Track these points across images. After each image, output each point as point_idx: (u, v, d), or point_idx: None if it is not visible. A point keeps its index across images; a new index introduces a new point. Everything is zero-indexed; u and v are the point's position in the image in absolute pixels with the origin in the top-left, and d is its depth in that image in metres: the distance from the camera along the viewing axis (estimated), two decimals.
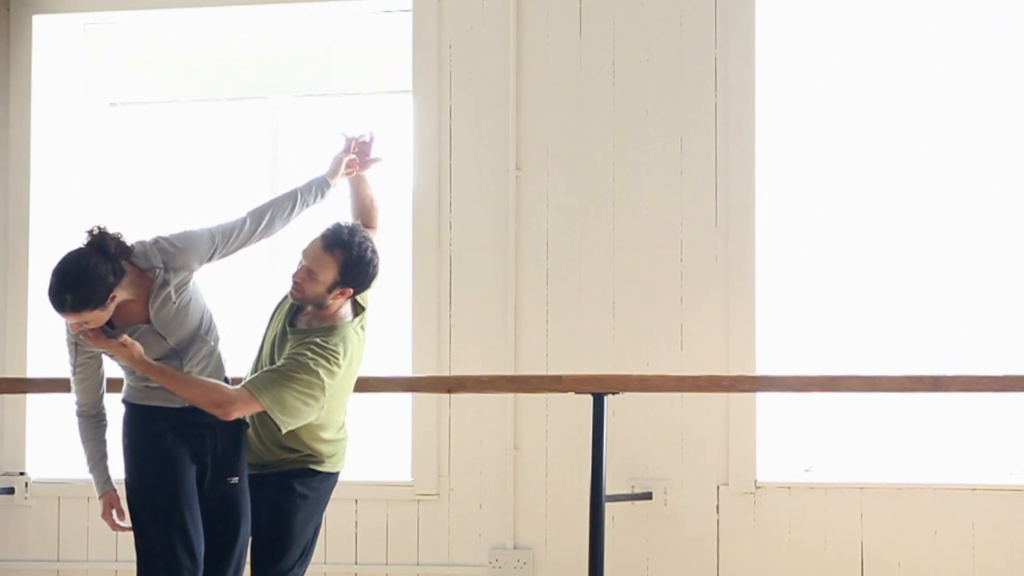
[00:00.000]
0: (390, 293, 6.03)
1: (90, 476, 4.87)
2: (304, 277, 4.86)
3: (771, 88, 6.78)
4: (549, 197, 6.80)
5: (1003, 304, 6.73)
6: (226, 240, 4.83)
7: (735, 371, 6.41)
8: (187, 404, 4.76)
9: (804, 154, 6.89)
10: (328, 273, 4.84)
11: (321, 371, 4.79)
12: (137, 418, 4.79)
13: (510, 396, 6.72)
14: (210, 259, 4.81)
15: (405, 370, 6.73)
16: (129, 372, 4.79)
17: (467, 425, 6.79)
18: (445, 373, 6.68)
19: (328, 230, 4.90)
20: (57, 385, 6.39)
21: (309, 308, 4.93)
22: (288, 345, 4.88)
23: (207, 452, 4.79)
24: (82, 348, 4.74)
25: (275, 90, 7.35)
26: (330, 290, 4.86)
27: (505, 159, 6.81)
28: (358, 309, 5.02)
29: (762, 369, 6.54)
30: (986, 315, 6.74)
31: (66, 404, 6.92)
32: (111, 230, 4.67)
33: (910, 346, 6.76)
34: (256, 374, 4.85)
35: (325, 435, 4.97)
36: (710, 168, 6.68)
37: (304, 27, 7.31)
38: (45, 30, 7.28)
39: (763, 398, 6.59)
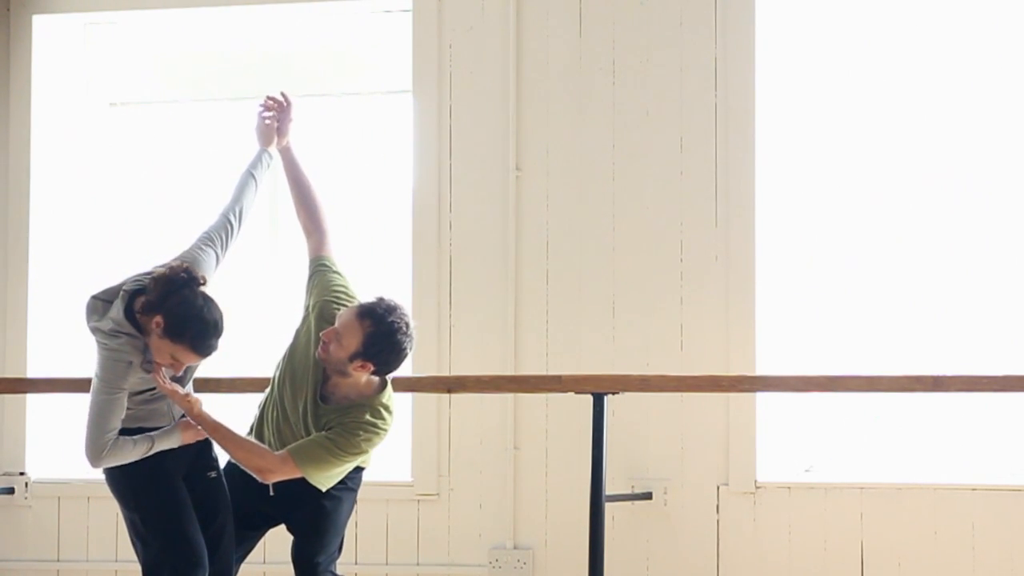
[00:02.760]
0: (390, 293, 6.00)
1: (163, 439, 4.80)
2: (332, 337, 4.85)
3: (771, 88, 6.78)
4: (549, 197, 6.80)
5: (1003, 304, 6.73)
6: (225, 250, 4.96)
7: (735, 371, 6.41)
8: (165, 422, 4.81)
9: (804, 154, 6.89)
10: (352, 340, 4.82)
11: (369, 445, 4.92)
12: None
13: (510, 396, 6.72)
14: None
15: (405, 370, 6.70)
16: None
17: (467, 425, 6.80)
18: (445, 373, 6.67)
19: (368, 301, 4.92)
20: (57, 385, 6.39)
21: (334, 377, 4.92)
22: (326, 419, 4.89)
23: (188, 455, 4.85)
24: (134, 372, 4.70)
25: (275, 90, 7.33)
26: (351, 359, 4.84)
27: (505, 159, 6.81)
28: (384, 383, 5.03)
29: (762, 369, 6.54)
30: (986, 315, 6.74)
31: (66, 404, 6.94)
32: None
33: (910, 346, 6.75)
34: (301, 444, 4.84)
35: None
36: (710, 168, 6.68)
37: (304, 27, 7.31)
38: (45, 30, 7.28)
39: (763, 398, 6.59)
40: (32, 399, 7.08)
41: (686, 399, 6.58)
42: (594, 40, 6.78)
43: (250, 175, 5.12)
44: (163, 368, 4.70)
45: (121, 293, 4.70)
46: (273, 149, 5.23)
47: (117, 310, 4.67)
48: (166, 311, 4.61)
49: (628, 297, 6.70)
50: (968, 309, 6.75)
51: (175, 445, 4.79)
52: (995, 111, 6.76)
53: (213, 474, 4.92)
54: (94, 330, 4.71)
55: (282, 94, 5.34)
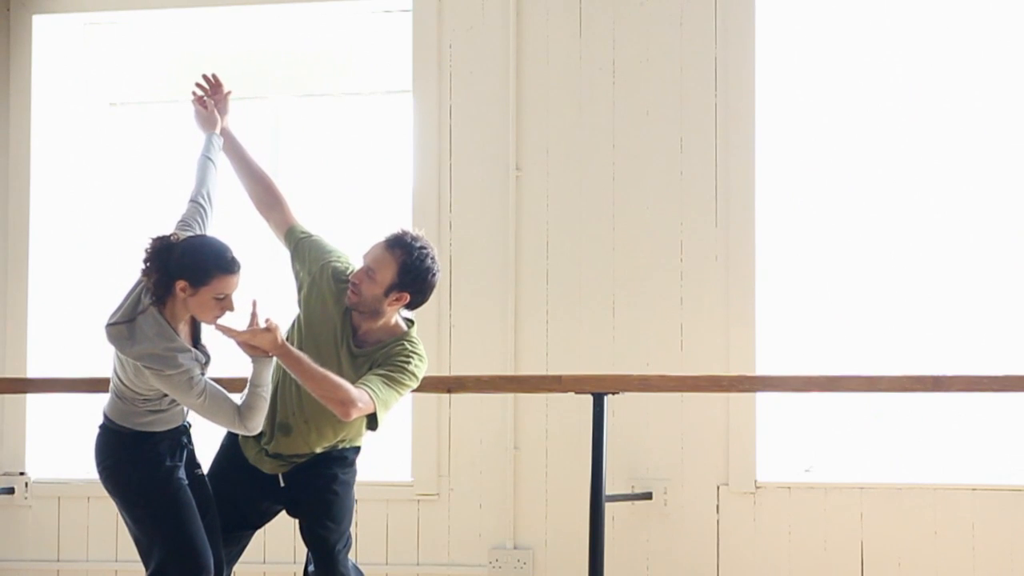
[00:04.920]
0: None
1: (265, 375, 4.74)
2: (362, 278, 4.88)
3: (771, 88, 6.79)
4: (549, 197, 6.80)
5: (1003, 304, 6.73)
6: (203, 231, 4.96)
7: (735, 371, 6.42)
8: (177, 424, 4.79)
9: (804, 154, 6.89)
10: (387, 273, 4.85)
11: (419, 372, 4.92)
12: (139, 444, 4.77)
13: (510, 396, 6.72)
14: None
15: None
16: (142, 400, 4.75)
17: (467, 425, 6.80)
18: (445, 373, 6.68)
19: (393, 233, 4.95)
20: (57, 385, 6.39)
21: (364, 324, 4.93)
22: (369, 361, 4.90)
23: (183, 453, 4.84)
24: (197, 361, 4.70)
25: (276, 90, 7.35)
26: (387, 292, 4.86)
27: (505, 159, 6.82)
28: (410, 322, 5.06)
29: (762, 369, 6.54)
30: (986, 315, 6.74)
31: (66, 404, 6.95)
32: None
33: (910, 346, 6.76)
34: (366, 378, 4.81)
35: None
36: (710, 168, 6.68)
37: (304, 27, 7.31)
38: (45, 30, 7.28)
39: (763, 398, 6.59)
40: (32, 399, 7.08)
41: (686, 399, 6.58)
42: (594, 40, 6.78)
43: (207, 159, 5.18)
44: (220, 320, 4.69)
45: (148, 311, 4.67)
46: (216, 127, 5.27)
47: (158, 326, 4.64)
48: (179, 269, 4.63)
49: (628, 297, 6.70)
50: (968, 309, 6.76)
51: (272, 368, 4.75)
52: (995, 112, 6.76)
53: (199, 471, 4.93)
54: (142, 356, 4.63)
55: (212, 75, 5.34)
